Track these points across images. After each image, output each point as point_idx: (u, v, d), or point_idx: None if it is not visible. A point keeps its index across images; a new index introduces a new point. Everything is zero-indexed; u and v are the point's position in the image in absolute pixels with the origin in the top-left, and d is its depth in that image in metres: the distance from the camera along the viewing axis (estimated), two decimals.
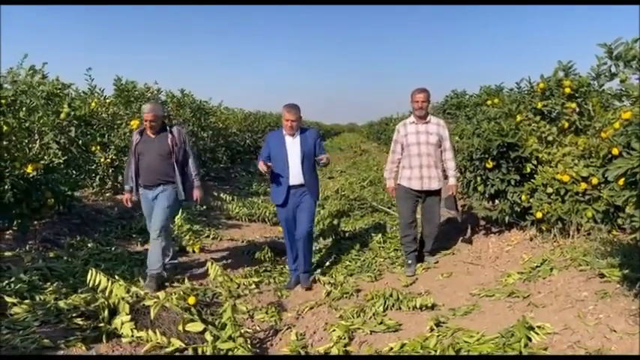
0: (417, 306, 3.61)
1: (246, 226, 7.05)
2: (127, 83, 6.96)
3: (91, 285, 3.43)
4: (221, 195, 8.44)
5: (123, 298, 3.29)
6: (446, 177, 4.70)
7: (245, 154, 14.14)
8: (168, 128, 4.29)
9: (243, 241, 6.04)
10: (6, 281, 3.56)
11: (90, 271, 3.44)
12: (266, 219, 7.27)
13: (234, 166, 12.36)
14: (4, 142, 4.36)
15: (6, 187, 4.10)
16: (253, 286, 4.42)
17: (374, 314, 3.55)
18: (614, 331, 2.64)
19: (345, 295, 4.07)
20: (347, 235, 6.10)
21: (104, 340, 2.97)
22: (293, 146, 4.28)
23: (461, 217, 4.75)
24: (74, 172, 5.17)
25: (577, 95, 4.77)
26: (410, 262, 4.65)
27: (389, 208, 7.60)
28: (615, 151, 3.71)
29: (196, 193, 4.38)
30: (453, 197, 4.63)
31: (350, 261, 5.03)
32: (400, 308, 3.66)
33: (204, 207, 7.46)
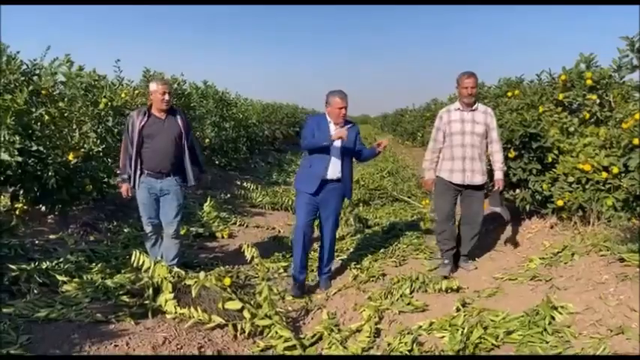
0: (443, 288, 3.77)
1: (270, 214, 7.24)
2: (156, 74, 7.16)
3: (135, 265, 3.63)
4: (244, 184, 8.66)
5: (165, 278, 3.48)
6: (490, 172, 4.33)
7: (263, 145, 14.36)
8: (175, 109, 3.97)
9: (268, 228, 6.24)
10: (55, 261, 3.79)
11: (134, 252, 3.64)
12: (288, 207, 7.44)
13: (253, 156, 12.55)
14: (46, 131, 4.59)
15: (49, 173, 4.32)
16: (282, 270, 4.60)
17: (401, 296, 3.71)
18: (635, 310, 2.78)
19: (371, 279, 4.21)
20: (369, 222, 6.27)
21: (150, 316, 3.19)
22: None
23: (507, 215, 4.44)
24: (110, 160, 5.39)
25: (598, 87, 4.86)
26: (447, 261, 4.28)
27: (409, 197, 7.77)
28: (636, 142, 3.83)
29: (203, 177, 4.22)
30: (498, 193, 4.27)
31: (374, 247, 5.18)
32: (426, 291, 3.81)
33: (229, 195, 7.68)
